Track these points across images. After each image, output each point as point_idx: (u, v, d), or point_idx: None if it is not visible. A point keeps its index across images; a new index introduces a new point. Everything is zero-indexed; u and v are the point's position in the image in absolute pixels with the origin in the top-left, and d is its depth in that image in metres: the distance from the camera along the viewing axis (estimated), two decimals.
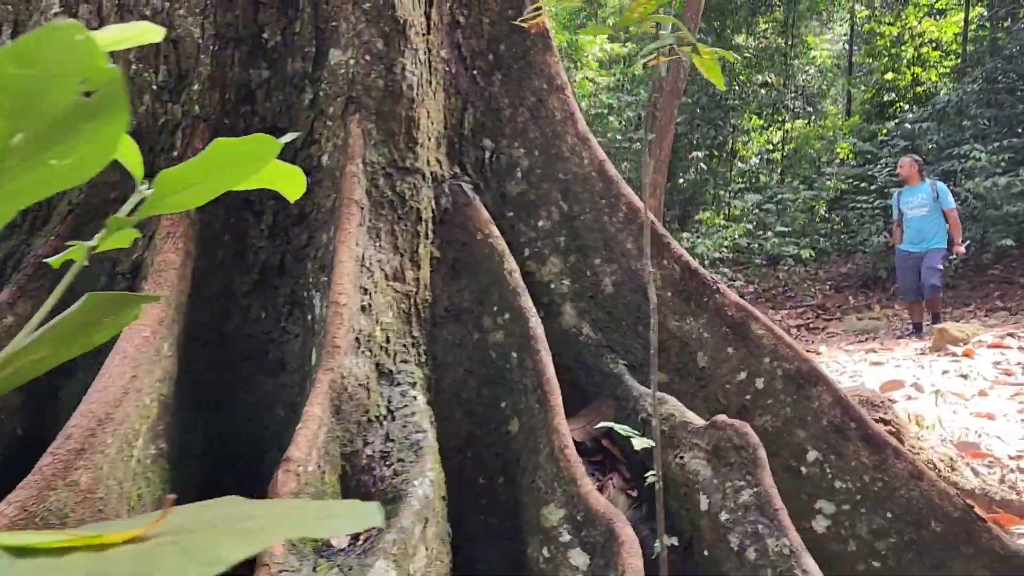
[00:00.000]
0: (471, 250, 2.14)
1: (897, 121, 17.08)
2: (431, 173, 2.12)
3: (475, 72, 2.28)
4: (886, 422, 3.05)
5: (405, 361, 1.93)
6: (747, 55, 19.52)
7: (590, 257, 2.29)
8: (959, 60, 19.35)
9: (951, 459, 3.11)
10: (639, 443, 1.91)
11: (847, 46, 24.34)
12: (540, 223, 2.31)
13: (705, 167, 17.75)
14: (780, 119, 21.99)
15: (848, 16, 24.01)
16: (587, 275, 2.29)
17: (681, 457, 1.86)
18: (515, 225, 2.31)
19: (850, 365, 5.88)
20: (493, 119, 2.32)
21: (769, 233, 12.27)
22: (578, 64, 23.30)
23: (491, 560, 2.13)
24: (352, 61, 1.94)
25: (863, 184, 13.94)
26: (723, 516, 1.67)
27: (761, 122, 22.10)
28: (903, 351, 6.18)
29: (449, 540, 1.84)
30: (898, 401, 4.53)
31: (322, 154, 1.96)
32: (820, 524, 2.14)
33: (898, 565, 2.08)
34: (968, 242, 8.92)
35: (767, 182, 19.60)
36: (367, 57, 1.94)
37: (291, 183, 0.85)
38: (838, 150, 20.44)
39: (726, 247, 11.64)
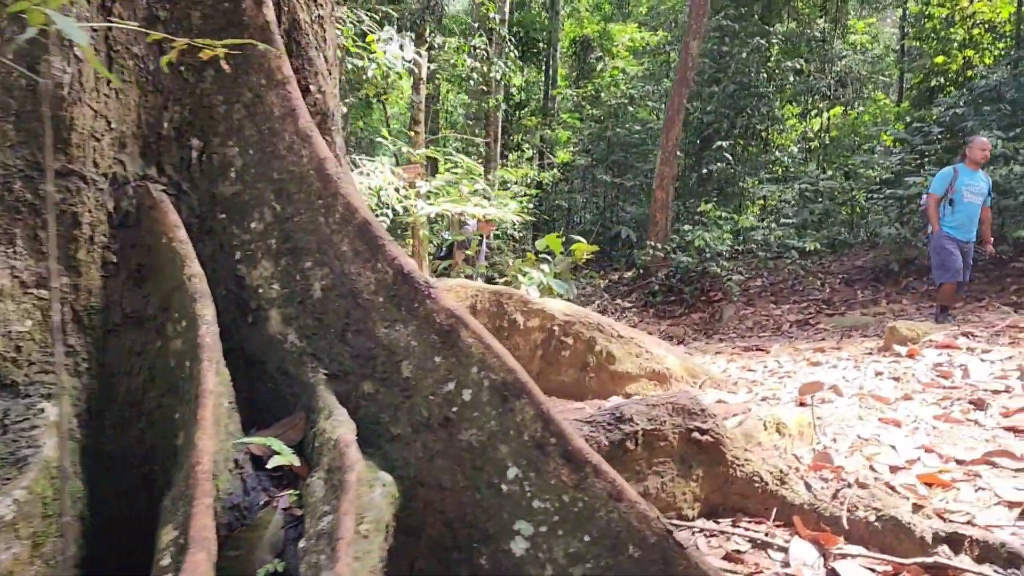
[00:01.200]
0: (155, 255, 2.05)
1: (944, 107, 16.03)
2: (110, 175, 2.04)
3: (181, 68, 2.19)
4: (703, 431, 2.86)
5: (46, 372, 1.86)
6: (775, 40, 18.87)
7: (302, 260, 2.18)
8: (1013, 42, 18.32)
9: (781, 472, 2.90)
10: (274, 461, 1.81)
11: (900, 30, 23.41)
12: (253, 224, 2.21)
13: (731, 156, 17.22)
14: (818, 107, 21.23)
15: None
16: (297, 279, 2.18)
17: (311, 476, 1.75)
18: (227, 227, 2.22)
19: (789, 365, 5.60)
20: (205, 117, 2.23)
21: (774, 225, 11.81)
22: (610, 54, 22.99)
23: None
24: None
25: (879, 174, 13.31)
26: (301, 543, 1.55)
27: (798, 109, 21.39)
28: (854, 350, 5.85)
29: (64, 559, 1.77)
30: (812, 405, 4.29)
31: None
32: (519, 546, 1.99)
33: None
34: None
35: (799, 172, 18.93)
36: (10, 56, 1.87)
37: None
38: (884, 137, 19.62)
39: (729, 240, 11.25)
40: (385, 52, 6.92)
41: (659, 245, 12.52)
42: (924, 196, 8.32)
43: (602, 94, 18.87)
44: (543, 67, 24.83)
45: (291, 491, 1.85)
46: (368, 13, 7.06)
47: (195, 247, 2.15)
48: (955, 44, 19.59)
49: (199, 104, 2.22)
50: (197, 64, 2.20)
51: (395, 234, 12.69)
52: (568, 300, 8.37)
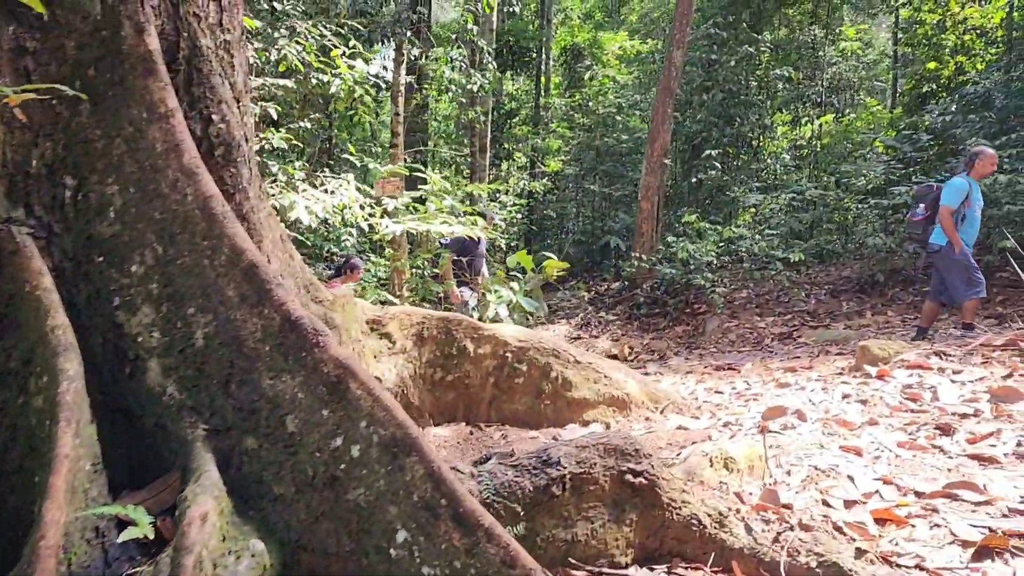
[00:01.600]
0: (18, 304, 1.91)
1: (935, 114, 15.74)
2: None
3: (54, 101, 2.05)
4: (637, 473, 2.71)
5: None
6: (763, 49, 18.72)
7: (184, 306, 2.04)
8: (1004, 48, 18.16)
9: (721, 514, 2.75)
10: (125, 534, 1.67)
11: (894, 36, 23.31)
12: (133, 268, 2.07)
13: (721, 165, 17.04)
14: (809, 114, 21.06)
15: (892, 5, 22.84)
16: (179, 326, 2.04)
17: (162, 553, 1.61)
18: (104, 271, 2.08)
19: (757, 387, 5.44)
20: (80, 153, 2.09)
21: (757, 236, 11.64)
22: (600, 63, 22.86)
23: None
24: None
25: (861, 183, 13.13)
26: None
27: (788, 117, 21.23)
28: (825, 370, 5.69)
29: None
30: (776, 431, 4.15)
31: None
32: None
33: None
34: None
35: (790, 180, 18.75)
36: None
37: None
38: (876, 144, 19.44)
39: (714, 251, 11.09)
40: (352, 67, 6.79)
41: (644, 256, 12.36)
42: (920, 206, 8.08)
43: (591, 103, 18.73)
44: (534, 76, 24.73)
45: (152, 564, 1.70)
46: (334, 28, 6.91)
47: (69, 292, 2.02)
48: (947, 50, 19.44)
49: (74, 139, 2.08)
50: (71, 97, 2.06)
51: (379, 250, 12.52)
52: (541, 316, 8.23)
